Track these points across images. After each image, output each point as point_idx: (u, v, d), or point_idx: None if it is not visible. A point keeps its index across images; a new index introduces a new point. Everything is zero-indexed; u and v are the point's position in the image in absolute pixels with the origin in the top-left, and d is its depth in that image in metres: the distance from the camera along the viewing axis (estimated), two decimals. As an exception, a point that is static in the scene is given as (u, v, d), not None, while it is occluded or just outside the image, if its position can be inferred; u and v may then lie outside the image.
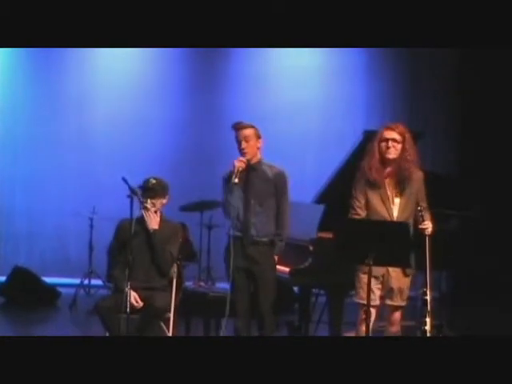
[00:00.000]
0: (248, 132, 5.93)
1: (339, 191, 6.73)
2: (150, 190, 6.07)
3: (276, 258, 5.97)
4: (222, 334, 6.12)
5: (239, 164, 5.83)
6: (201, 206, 9.28)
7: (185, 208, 9.25)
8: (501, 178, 10.18)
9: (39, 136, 10.79)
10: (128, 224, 5.92)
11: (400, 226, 5.55)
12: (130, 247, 5.79)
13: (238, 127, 5.95)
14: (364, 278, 5.49)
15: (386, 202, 5.65)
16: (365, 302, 5.45)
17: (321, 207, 6.58)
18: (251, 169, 5.94)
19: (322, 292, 6.99)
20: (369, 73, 11.09)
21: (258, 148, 5.99)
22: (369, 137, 6.59)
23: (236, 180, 5.78)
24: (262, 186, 5.92)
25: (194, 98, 11.05)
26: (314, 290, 7.16)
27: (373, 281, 5.52)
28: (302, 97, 10.91)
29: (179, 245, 6.26)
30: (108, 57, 10.65)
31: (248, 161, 5.91)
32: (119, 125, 10.87)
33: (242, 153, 5.93)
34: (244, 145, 5.91)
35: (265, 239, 5.92)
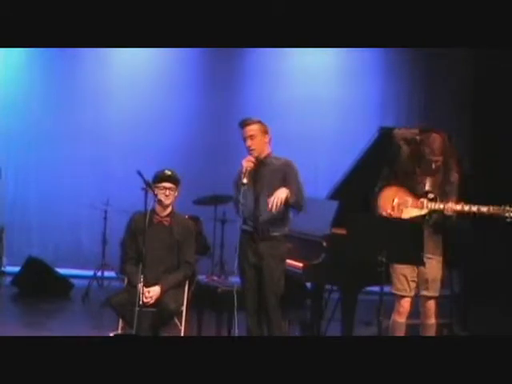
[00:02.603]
0: (253, 128, 5.88)
1: (354, 187, 6.74)
2: (165, 181, 6.07)
3: (287, 248, 5.94)
4: (234, 333, 6.11)
5: (247, 164, 5.81)
6: (215, 200, 9.29)
7: (199, 202, 9.27)
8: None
9: (54, 127, 10.83)
10: (141, 217, 5.94)
11: (412, 224, 5.55)
12: (143, 241, 5.80)
13: (242, 124, 5.91)
14: (400, 268, 5.57)
15: None
16: (401, 293, 5.55)
17: (335, 203, 6.58)
18: (260, 164, 5.91)
19: (334, 288, 6.98)
20: (384, 72, 11.08)
21: (266, 143, 5.95)
22: (384, 134, 6.61)
23: (245, 180, 5.77)
24: (271, 178, 5.88)
25: (208, 93, 11.07)
26: (326, 287, 7.15)
27: (408, 272, 5.60)
28: (317, 94, 10.92)
29: (194, 241, 6.27)
30: (123, 51, 10.66)
31: (256, 158, 5.89)
32: (134, 118, 10.90)
33: (248, 150, 5.90)
34: (249, 142, 5.88)
35: (276, 233, 5.90)
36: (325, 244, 6.33)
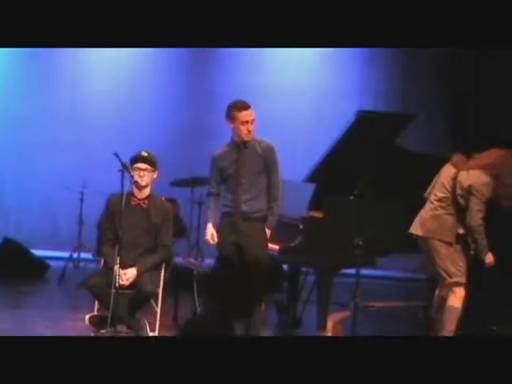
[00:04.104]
0: (253, 112, 5.83)
1: (330, 170, 6.77)
2: (140, 162, 6.04)
3: (268, 232, 5.91)
4: (198, 312, 6.14)
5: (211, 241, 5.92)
6: (192, 182, 9.28)
7: (176, 184, 9.25)
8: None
9: (30, 110, 10.74)
10: (118, 199, 5.91)
11: (389, 207, 5.59)
12: (120, 223, 5.78)
13: (242, 107, 5.81)
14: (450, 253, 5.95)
15: None
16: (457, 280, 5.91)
17: (312, 186, 6.60)
18: (243, 146, 5.89)
19: (311, 271, 7.01)
20: (363, 58, 11.07)
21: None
22: (361, 117, 6.62)
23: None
24: (252, 162, 5.86)
25: (186, 75, 11.03)
26: (303, 269, 7.18)
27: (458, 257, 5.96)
28: (295, 78, 10.91)
29: (172, 224, 6.26)
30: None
31: (243, 142, 5.84)
32: (112, 101, 10.83)
33: (245, 133, 5.81)
34: (251, 127, 5.81)
35: (256, 215, 5.89)
36: (301, 227, 6.35)
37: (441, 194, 6.12)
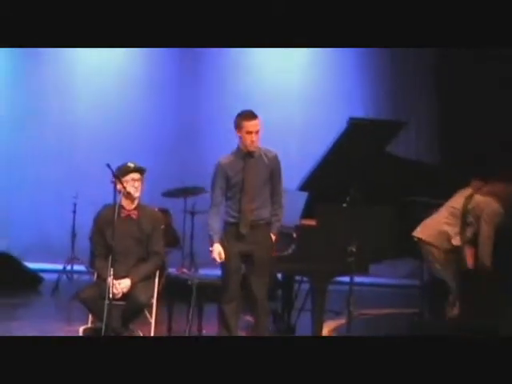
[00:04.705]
0: (259, 123, 5.80)
1: (323, 179, 6.77)
2: (132, 172, 6.02)
3: (274, 237, 5.90)
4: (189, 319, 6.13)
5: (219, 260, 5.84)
6: (184, 192, 9.27)
7: (168, 194, 9.24)
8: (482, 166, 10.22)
9: (21, 119, 10.75)
10: (107, 212, 5.91)
11: (381, 214, 5.61)
12: (113, 234, 5.75)
13: (248, 117, 5.78)
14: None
15: None
16: None
17: (304, 194, 6.60)
18: (251, 157, 5.85)
19: (305, 279, 7.00)
20: (353, 64, 11.11)
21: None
22: (353, 124, 6.63)
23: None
24: (259, 172, 5.85)
25: (177, 85, 11.03)
26: (297, 277, 7.18)
27: None
28: (286, 86, 10.94)
29: (162, 232, 6.24)
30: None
31: (249, 151, 5.82)
32: (103, 110, 10.85)
33: (249, 144, 5.78)
34: (255, 137, 5.79)
35: (262, 222, 5.86)
36: (294, 235, 6.35)
37: (451, 209, 6.68)
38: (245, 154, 5.84)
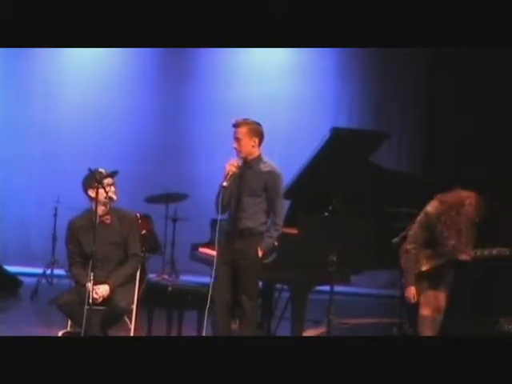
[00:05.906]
0: (240, 131, 5.82)
1: (305, 187, 6.78)
2: (110, 177, 5.99)
3: (261, 253, 5.90)
4: (204, 333, 6.10)
5: (229, 168, 5.79)
6: (166, 198, 9.25)
7: (150, 200, 9.22)
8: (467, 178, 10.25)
9: (2, 124, 10.70)
10: (80, 220, 5.96)
11: (362, 224, 5.61)
12: (94, 239, 5.72)
13: (233, 124, 5.86)
14: None
15: None
16: None
17: (286, 203, 6.61)
18: (246, 167, 5.88)
19: (285, 287, 7.01)
20: (338, 71, 11.14)
21: (253, 146, 5.87)
22: (335, 134, 6.65)
23: (225, 183, 5.76)
24: (252, 182, 5.86)
25: (160, 91, 11.04)
26: (277, 286, 7.18)
27: None
28: (270, 92, 10.94)
29: (139, 235, 6.22)
30: (75, 49, 10.54)
31: (244, 159, 5.86)
32: (85, 116, 10.82)
33: (236, 151, 5.87)
34: (235, 144, 5.84)
35: (251, 232, 5.85)
36: (276, 243, 6.35)
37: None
38: (243, 162, 5.89)
